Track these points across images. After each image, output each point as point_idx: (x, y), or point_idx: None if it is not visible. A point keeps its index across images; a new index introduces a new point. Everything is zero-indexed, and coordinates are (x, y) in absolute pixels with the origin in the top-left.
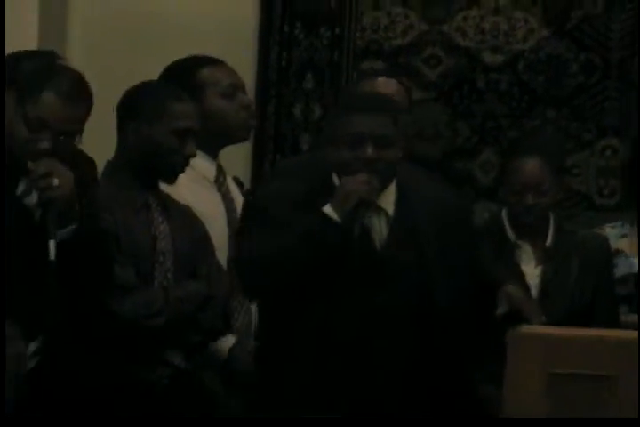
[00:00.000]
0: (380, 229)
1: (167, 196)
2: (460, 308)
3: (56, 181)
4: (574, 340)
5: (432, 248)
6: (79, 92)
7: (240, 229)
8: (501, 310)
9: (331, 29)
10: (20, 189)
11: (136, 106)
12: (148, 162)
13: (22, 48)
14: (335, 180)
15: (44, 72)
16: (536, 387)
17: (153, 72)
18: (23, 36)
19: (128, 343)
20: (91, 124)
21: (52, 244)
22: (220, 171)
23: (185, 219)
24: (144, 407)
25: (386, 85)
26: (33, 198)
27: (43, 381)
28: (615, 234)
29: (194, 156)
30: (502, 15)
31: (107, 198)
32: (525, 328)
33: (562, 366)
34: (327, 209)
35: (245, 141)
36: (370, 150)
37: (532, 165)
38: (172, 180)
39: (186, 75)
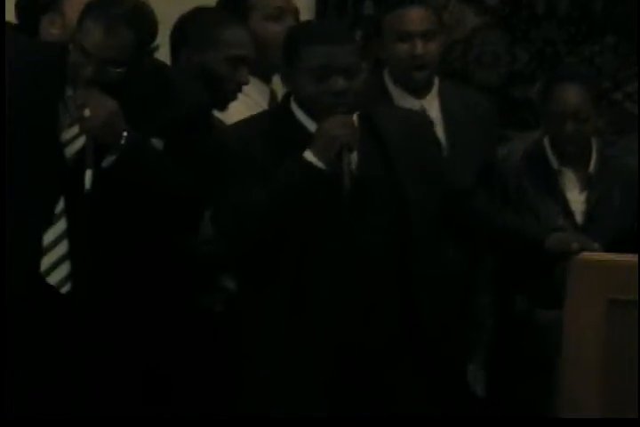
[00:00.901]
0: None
1: (218, 121)
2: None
3: (87, 112)
4: (633, 266)
5: (407, 175)
6: (127, 21)
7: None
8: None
9: None
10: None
11: (188, 33)
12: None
13: None
14: (300, 117)
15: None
16: (596, 313)
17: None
18: None
19: (181, 270)
20: None
21: (88, 173)
22: (274, 96)
23: None
24: (201, 334)
25: (415, 14)
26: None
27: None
28: None
29: (246, 83)
30: None
31: None
32: (584, 255)
33: (621, 293)
34: (309, 156)
35: None
36: (340, 82)
37: (569, 93)
38: (224, 107)
39: None
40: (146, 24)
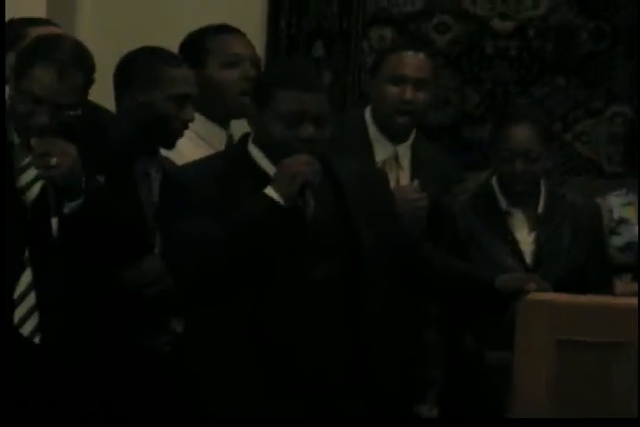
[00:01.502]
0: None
1: (167, 161)
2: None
3: (54, 161)
4: (582, 306)
5: (361, 220)
6: (75, 63)
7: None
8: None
9: None
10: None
11: (131, 72)
12: (146, 128)
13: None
14: (258, 159)
15: (37, 43)
16: (545, 354)
17: (164, 41)
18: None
19: (130, 312)
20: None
21: (54, 221)
22: (232, 141)
23: (177, 188)
24: (146, 375)
25: (414, 60)
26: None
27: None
28: (619, 202)
29: (191, 121)
30: None
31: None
32: (534, 295)
33: (570, 333)
34: (271, 192)
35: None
36: (310, 129)
37: (520, 132)
38: (170, 145)
39: (195, 42)
40: (89, 63)
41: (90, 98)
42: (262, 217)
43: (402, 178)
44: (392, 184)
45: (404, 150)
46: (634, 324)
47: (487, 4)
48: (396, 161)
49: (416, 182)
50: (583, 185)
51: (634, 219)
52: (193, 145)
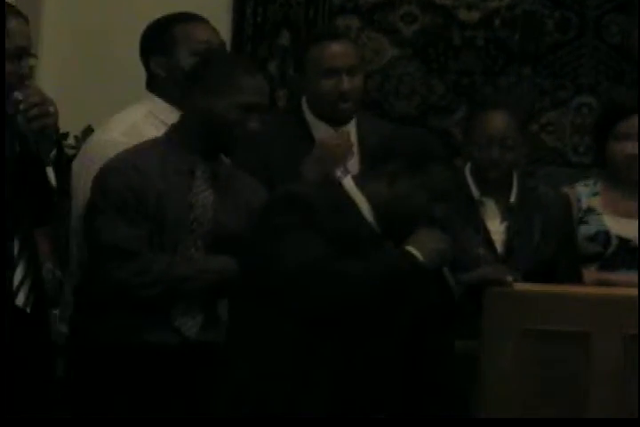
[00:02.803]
0: None
1: (227, 167)
2: None
3: (52, 109)
4: (550, 296)
5: None
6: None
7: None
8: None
9: None
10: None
11: (204, 76)
12: (208, 133)
13: None
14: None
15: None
16: (512, 343)
17: (127, 28)
18: None
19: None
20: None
21: (49, 170)
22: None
23: (242, 192)
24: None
25: (340, 49)
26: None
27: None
28: (587, 192)
29: (256, 131)
30: None
31: (148, 163)
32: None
33: (538, 323)
34: (412, 250)
35: None
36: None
37: (498, 119)
38: (230, 152)
39: (161, 31)
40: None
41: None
42: (399, 272)
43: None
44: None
45: (349, 129)
46: (601, 313)
47: None
48: None
49: None
50: (550, 175)
51: (599, 209)
52: (157, 130)
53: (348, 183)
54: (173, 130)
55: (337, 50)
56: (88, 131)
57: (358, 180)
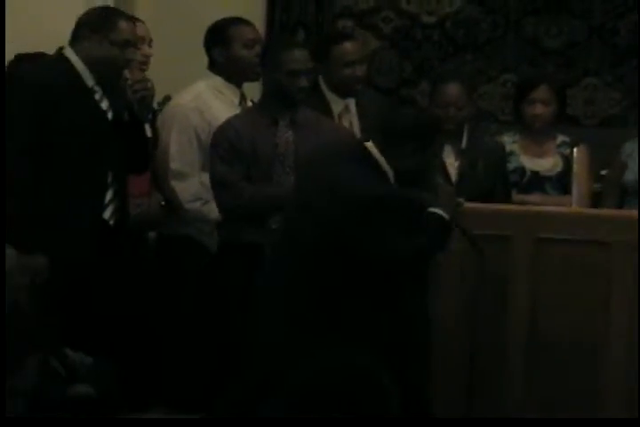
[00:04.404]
0: None
1: (303, 114)
2: None
3: (149, 84)
4: (487, 212)
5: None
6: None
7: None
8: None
9: None
10: (98, 96)
11: (265, 56)
12: (277, 94)
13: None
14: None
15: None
16: (461, 244)
17: (193, 30)
18: None
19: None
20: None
21: (146, 127)
22: (243, 97)
23: (314, 129)
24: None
25: (356, 47)
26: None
27: None
28: (509, 140)
29: (305, 89)
30: None
31: (242, 121)
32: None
33: (478, 229)
34: (438, 211)
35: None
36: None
37: (451, 88)
38: (293, 104)
39: (220, 30)
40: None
41: None
42: (436, 234)
43: (353, 121)
44: (347, 126)
45: (351, 103)
46: (519, 222)
47: (418, 3)
48: (346, 110)
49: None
50: (486, 129)
51: (518, 151)
52: (216, 98)
53: (376, 153)
54: (260, 99)
55: (352, 47)
56: (167, 99)
57: (381, 153)
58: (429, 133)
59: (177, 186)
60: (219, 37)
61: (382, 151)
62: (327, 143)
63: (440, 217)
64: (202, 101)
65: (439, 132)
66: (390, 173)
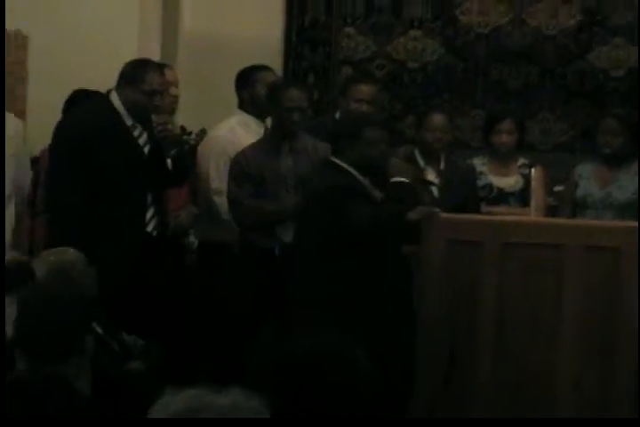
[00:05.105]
0: None
1: (301, 141)
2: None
3: (170, 126)
4: (460, 221)
5: None
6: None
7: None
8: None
9: (323, 47)
10: (136, 132)
11: (270, 98)
12: (279, 126)
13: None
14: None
15: (141, 62)
16: (439, 248)
17: (226, 73)
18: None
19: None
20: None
21: (168, 161)
22: (266, 128)
23: (307, 152)
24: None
25: (368, 90)
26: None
27: None
28: (479, 162)
29: (300, 123)
30: (418, 41)
31: (253, 150)
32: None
33: (454, 235)
34: (399, 178)
35: None
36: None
37: (439, 116)
38: (291, 135)
39: (247, 75)
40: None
41: None
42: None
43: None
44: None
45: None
46: (489, 230)
47: (404, 53)
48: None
49: None
50: (461, 154)
51: (486, 171)
52: (245, 131)
53: (340, 162)
54: (266, 131)
55: (365, 89)
56: (203, 131)
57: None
58: (355, 127)
59: (217, 200)
60: (245, 81)
61: (335, 154)
62: (314, 163)
63: (401, 182)
64: (233, 134)
65: (367, 125)
66: (355, 172)
